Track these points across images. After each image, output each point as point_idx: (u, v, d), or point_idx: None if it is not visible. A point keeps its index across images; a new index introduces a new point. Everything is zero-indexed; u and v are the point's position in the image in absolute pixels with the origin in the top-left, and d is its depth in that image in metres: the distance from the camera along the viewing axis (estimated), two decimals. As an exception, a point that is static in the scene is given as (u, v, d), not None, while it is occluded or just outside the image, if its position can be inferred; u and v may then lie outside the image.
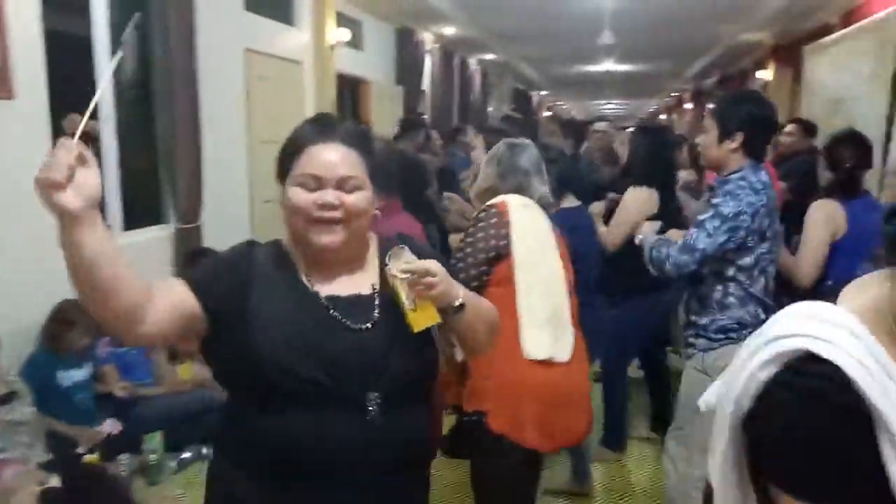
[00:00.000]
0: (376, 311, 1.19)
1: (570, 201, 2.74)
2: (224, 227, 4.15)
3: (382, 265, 1.22)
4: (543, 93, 18.83)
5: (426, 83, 8.32)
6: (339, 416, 1.10)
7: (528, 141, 2.12)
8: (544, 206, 1.97)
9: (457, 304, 1.20)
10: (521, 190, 1.96)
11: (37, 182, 0.89)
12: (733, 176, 2.04)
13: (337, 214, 1.14)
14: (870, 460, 0.63)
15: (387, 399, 1.13)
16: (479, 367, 1.75)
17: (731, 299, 2.04)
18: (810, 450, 0.66)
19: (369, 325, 1.17)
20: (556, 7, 6.91)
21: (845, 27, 6.02)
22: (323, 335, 1.13)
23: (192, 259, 3.53)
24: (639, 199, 2.78)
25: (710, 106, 2.20)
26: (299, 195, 1.14)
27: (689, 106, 16.57)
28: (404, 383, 1.17)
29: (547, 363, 1.75)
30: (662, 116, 22.85)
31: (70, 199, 0.90)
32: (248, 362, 1.11)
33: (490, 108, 12.51)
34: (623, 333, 2.92)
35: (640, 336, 3.03)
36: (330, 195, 1.13)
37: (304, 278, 1.20)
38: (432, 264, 1.17)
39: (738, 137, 2.03)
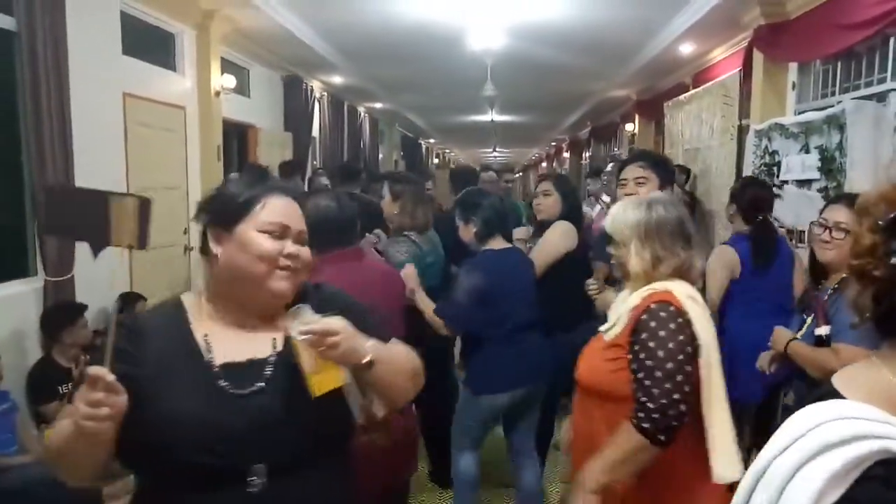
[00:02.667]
0: (267, 371, 1.15)
1: (500, 243, 2.73)
2: (100, 279, 3.91)
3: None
4: (432, 140, 19.38)
5: (315, 130, 8.34)
6: (223, 494, 1.07)
7: (663, 194, 1.88)
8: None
9: (365, 361, 1.13)
10: (682, 273, 1.65)
11: (79, 417, 0.98)
12: None
13: (297, 265, 1.18)
14: None
15: (277, 470, 1.09)
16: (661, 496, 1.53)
17: None
18: None
19: (255, 388, 1.12)
20: (439, 60, 7.23)
21: (697, 87, 6.75)
22: (208, 408, 1.09)
23: (55, 314, 3.29)
24: (566, 230, 3.07)
25: (641, 163, 2.37)
26: (265, 242, 1.16)
27: (566, 154, 17.68)
28: (302, 450, 1.12)
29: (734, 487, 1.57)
30: (543, 164, 24.19)
31: (104, 427, 0.99)
32: (140, 445, 1.07)
33: (381, 155, 12.70)
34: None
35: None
36: (292, 247, 1.18)
37: (201, 341, 1.16)
38: (335, 323, 1.10)
39: (669, 189, 2.38)
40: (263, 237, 1.16)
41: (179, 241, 5.06)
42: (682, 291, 1.59)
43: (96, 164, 3.92)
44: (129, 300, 4.01)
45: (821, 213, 2.05)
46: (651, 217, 1.65)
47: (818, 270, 2.09)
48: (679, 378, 1.50)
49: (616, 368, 1.59)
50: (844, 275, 1.94)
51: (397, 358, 1.25)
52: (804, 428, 0.61)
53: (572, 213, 3.18)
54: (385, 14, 5.47)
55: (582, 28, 5.80)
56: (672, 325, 1.53)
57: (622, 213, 1.70)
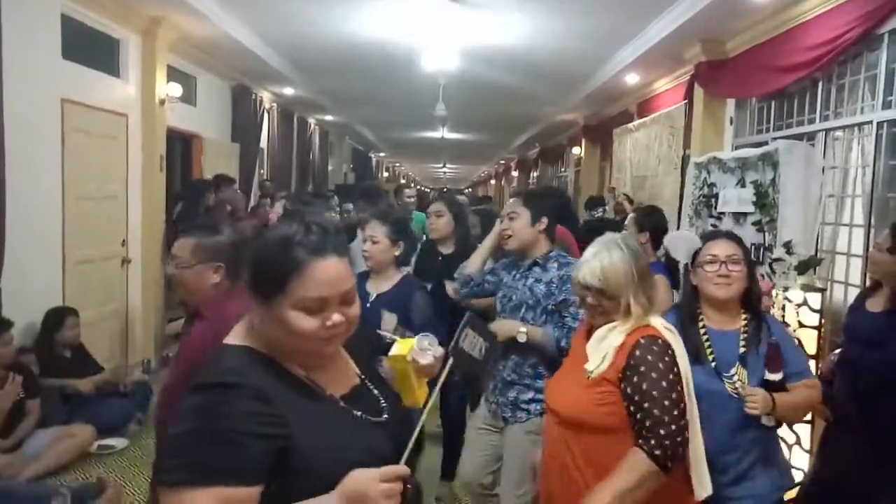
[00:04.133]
0: (382, 400, 1.21)
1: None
2: (30, 292, 3.74)
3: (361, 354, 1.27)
4: (382, 154, 19.35)
5: (264, 141, 8.21)
6: None
7: (622, 236, 1.85)
8: None
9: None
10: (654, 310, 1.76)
11: None
12: (553, 254, 2.39)
13: (342, 330, 1.11)
14: None
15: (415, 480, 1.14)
16: None
17: None
18: None
19: (384, 417, 1.18)
20: (392, 78, 7.25)
21: (641, 115, 6.99)
22: (358, 440, 1.11)
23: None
24: None
25: (516, 199, 2.51)
26: (302, 322, 1.06)
27: (515, 173, 17.96)
28: (414, 461, 1.24)
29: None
30: (492, 181, 24.50)
31: None
32: (298, 493, 1.02)
33: (330, 168, 12.59)
34: None
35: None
36: (335, 317, 1.09)
37: (310, 383, 1.13)
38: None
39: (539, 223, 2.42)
40: (301, 316, 1.07)
41: (117, 254, 4.87)
42: (661, 324, 1.67)
43: (30, 171, 3.76)
44: (59, 315, 3.84)
45: (701, 252, 1.96)
46: (638, 262, 1.70)
47: (695, 307, 1.97)
48: (682, 406, 1.58)
49: (602, 402, 1.64)
50: (745, 315, 1.91)
51: None
52: None
53: (464, 233, 3.41)
54: (339, 30, 5.45)
55: (532, 54, 5.93)
56: (666, 358, 1.61)
57: (609, 263, 1.68)
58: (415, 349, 1.33)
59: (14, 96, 3.46)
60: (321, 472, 1.03)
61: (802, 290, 2.88)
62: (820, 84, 4.02)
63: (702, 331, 1.92)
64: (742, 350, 1.87)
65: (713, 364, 1.87)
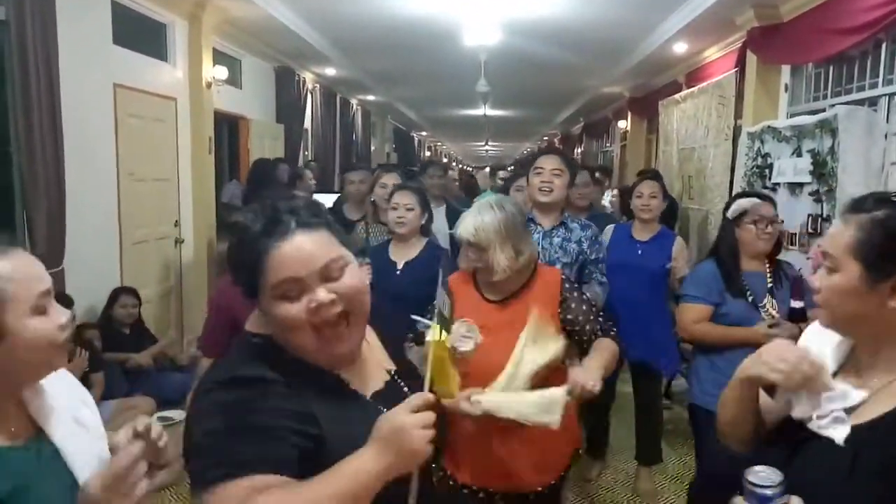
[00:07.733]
0: (408, 391, 1.14)
1: None
2: (90, 272, 3.88)
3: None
4: (424, 133, 19.33)
5: (307, 122, 8.30)
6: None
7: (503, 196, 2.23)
8: None
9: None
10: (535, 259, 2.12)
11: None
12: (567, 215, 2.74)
13: (337, 310, 1.02)
14: None
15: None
16: None
17: None
18: None
19: None
20: (433, 54, 7.20)
21: (690, 86, 6.76)
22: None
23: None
24: None
25: (560, 158, 2.74)
26: (286, 310, 1.01)
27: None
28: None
29: None
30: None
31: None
32: None
33: (373, 148, 12.65)
34: None
35: None
36: (321, 293, 1.01)
37: (340, 374, 1.08)
38: None
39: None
40: (282, 304, 1.00)
41: (170, 234, 5.02)
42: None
43: (86, 156, 3.89)
44: (115, 293, 4.02)
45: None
46: (507, 216, 1.86)
47: (737, 255, 2.45)
48: None
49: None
50: (767, 260, 2.38)
51: None
52: None
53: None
54: (379, 7, 5.43)
55: (576, 25, 5.79)
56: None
57: (480, 219, 1.85)
58: (454, 335, 1.19)
59: (69, 82, 3.57)
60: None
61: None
62: (883, 46, 3.81)
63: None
64: (770, 285, 2.35)
65: (750, 298, 2.32)
